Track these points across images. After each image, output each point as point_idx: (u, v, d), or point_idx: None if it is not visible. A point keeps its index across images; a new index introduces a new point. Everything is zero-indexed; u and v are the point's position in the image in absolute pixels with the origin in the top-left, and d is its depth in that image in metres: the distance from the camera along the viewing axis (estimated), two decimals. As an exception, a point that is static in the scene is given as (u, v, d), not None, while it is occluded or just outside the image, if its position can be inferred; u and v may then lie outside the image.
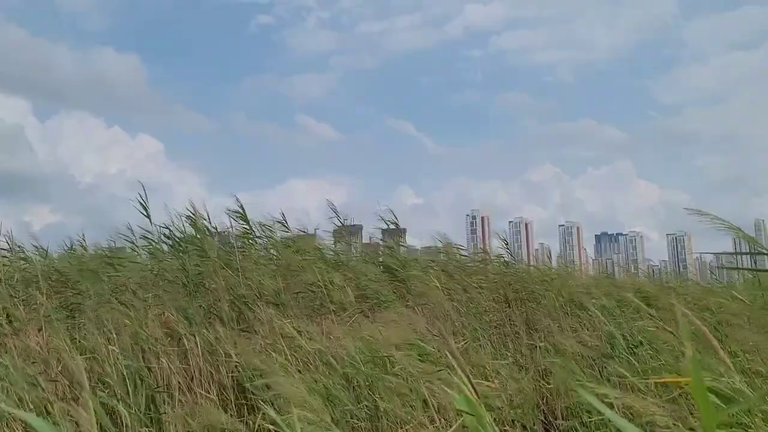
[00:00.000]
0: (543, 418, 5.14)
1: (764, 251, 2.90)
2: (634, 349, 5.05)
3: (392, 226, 8.29)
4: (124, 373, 4.57)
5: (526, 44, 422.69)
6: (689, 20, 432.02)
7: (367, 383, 4.32)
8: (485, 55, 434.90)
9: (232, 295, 5.74)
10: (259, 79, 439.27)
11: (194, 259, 6.16)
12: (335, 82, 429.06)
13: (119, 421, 4.40)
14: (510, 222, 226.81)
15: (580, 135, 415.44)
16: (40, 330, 5.31)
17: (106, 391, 4.44)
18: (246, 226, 6.89)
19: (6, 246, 7.08)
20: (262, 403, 3.95)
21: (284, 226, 7.53)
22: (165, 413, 4.47)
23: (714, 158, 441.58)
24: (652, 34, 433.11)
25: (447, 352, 4.03)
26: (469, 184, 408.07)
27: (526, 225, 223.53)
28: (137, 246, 6.94)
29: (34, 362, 4.70)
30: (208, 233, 6.51)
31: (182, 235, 6.53)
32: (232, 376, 4.72)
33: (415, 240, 10.86)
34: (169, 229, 6.58)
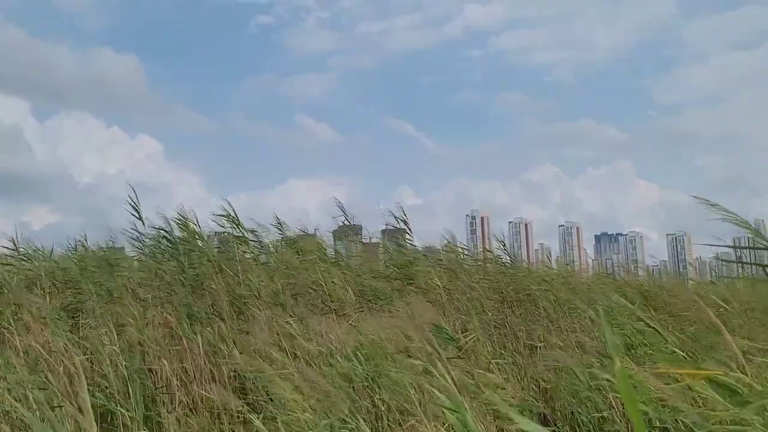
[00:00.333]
0: (542, 418, 5.14)
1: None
2: (634, 350, 5.05)
3: (402, 225, 8.29)
4: (125, 374, 4.58)
5: (525, 44, 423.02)
6: (689, 20, 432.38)
7: (365, 383, 4.33)
8: (485, 55, 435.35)
9: (231, 296, 5.75)
10: (259, 79, 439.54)
11: (193, 259, 6.18)
12: (335, 82, 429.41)
13: (119, 421, 4.42)
14: (510, 222, 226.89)
15: (580, 135, 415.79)
16: (42, 330, 5.32)
17: (106, 391, 4.46)
18: (238, 230, 6.92)
19: (11, 247, 7.10)
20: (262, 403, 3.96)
21: (280, 229, 7.58)
22: (166, 414, 4.48)
23: (714, 158, 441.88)
24: (652, 34, 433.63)
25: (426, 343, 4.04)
26: (468, 184, 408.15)
27: (525, 225, 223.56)
28: (136, 247, 6.96)
29: (37, 364, 4.71)
30: (198, 237, 6.55)
31: (176, 238, 6.56)
32: (233, 376, 4.73)
33: (414, 240, 10.87)
34: (165, 231, 6.61)
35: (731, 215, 2.65)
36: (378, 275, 7.08)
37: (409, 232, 8.08)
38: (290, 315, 5.46)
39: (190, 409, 4.64)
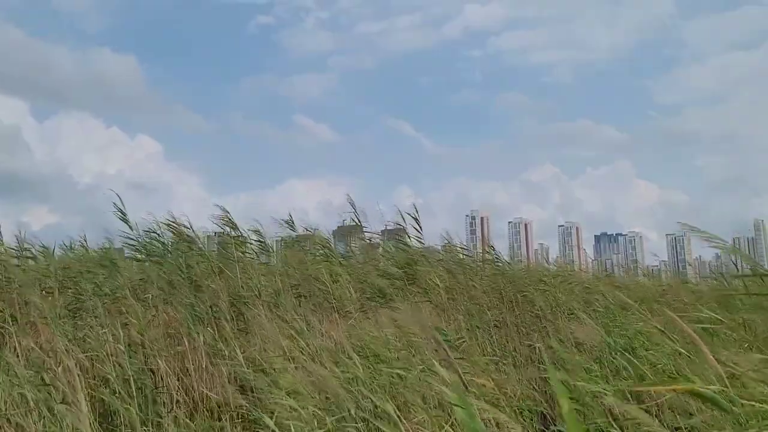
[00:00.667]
0: (541, 419, 5.15)
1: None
2: (632, 352, 5.06)
3: (413, 223, 8.24)
4: (130, 373, 4.59)
5: (525, 44, 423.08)
6: (689, 20, 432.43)
7: (367, 383, 4.33)
8: (485, 55, 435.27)
9: (232, 296, 5.76)
10: (258, 79, 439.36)
11: (191, 260, 6.20)
12: (334, 83, 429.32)
13: (119, 421, 4.43)
14: (509, 222, 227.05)
15: (580, 135, 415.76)
16: (44, 329, 5.33)
17: (107, 391, 4.46)
18: (236, 231, 6.93)
19: (15, 246, 7.12)
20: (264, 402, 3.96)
21: (291, 227, 7.59)
22: (165, 414, 4.49)
23: (714, 158, 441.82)
24: (652, 34, 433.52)
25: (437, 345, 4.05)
26: (468, 184, 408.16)
27: (525, 225, 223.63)
28: (131, 249, 6.98)
29: (41, 365, 4.71)
30: (191, 239, 6.57)
31: (168, 241, 6.60)
32: (233, 377, 4.73)
33: (424, 238, 10.87)
34: (156, 234, 6.65)
35: (712, 236, 2.66)
36: (382, 274, 7.09)
37: (419, 230, 8.03)
38: (292, 315, 5.46)
39: (191, 410, 4.65)
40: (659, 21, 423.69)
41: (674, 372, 4.18)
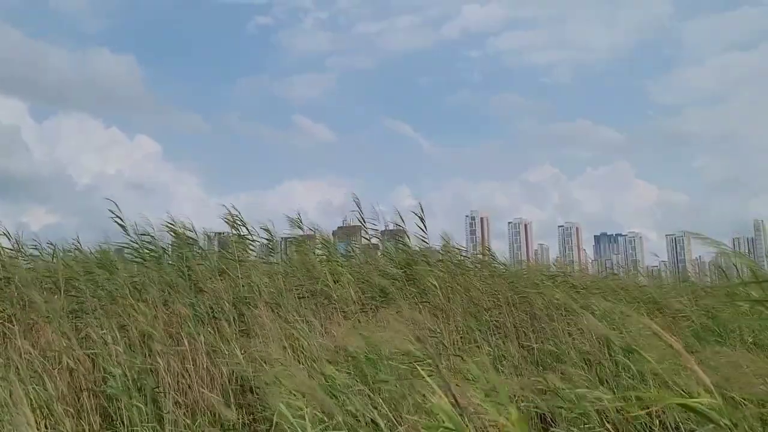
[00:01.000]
0: (541, 420, 5.16)
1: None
2: (629, 355, 5.06)
3: (420, 223, 8.23)
4: (134, 375, 4.60)
5: (524, 45, 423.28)
6: (689, 21, 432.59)
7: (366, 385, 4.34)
8: (484, 55, 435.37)
9: (234, 297, 5.78)
10: (257, 79, 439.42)
11: (191, 261, 6.22)
12: (333, 83, 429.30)
13: (119, 421, 4.43)
14: (509, 223, 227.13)
15: (579, 135, 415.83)
16: (45, 329, 5.34)
17: (108, 393, 4.47)
18: (241, 230, 6.96)
19: (14, 246, 7.14)
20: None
21: (300, 226, 7.62)
22: (165, 414, 4.50)
23: (713, 158, 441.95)
24: (652, 34, 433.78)
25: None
26: (467, 184, 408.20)
27: (525, 226, 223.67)
28: (129, 251, 7.01)
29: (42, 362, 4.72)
30: (191, 241, 6.60)
31: (166, 244, 6.65)
32: (234, 378, 4.74)
33: (414, 241, 10.87)
34: (151, 236, 6.70)
35: (714, 242, 2.67)
36: (382, 274, 7.10)
37: (424, 229, 8.03)
38: (293, 315, 5.47)
39: (191, 410, 4.65)
40: (658, 21, 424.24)
41: (669, 378, 4.18)
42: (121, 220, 6.61)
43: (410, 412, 3.63)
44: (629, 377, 4.99)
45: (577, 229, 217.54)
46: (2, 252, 6.92)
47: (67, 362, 4.83)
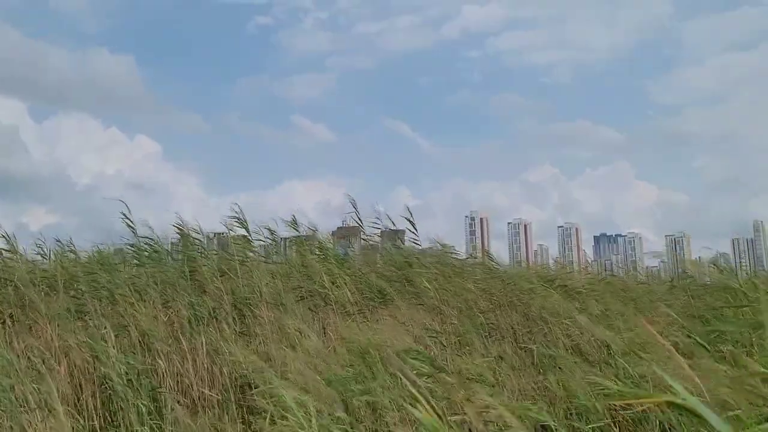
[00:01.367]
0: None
1: None
2: (626, 356, 5.07)
3: (408, 225, 8.27)
4: (134, 375, 4.61)
5: (524, 45, 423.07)
6: (688, 20, 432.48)
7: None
8: (483, 55, 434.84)
9: (234, 298, 5.79)
10: (257, 79, 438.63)
11: (194, 262, 6.23)
12: (333, 83, 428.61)
13: (120, 421, 4.45)
14: (509, 223, 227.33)
15: (579, 135, 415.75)
16: (47, 329, 5.35)
17: (109, 393, 4.48)
18: (247, 230, 6.98)
19: (11, 247, 7.14)
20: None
21: (295, 228, 7.64)
22: (167, 413, 4.51)
23: (713, 159, 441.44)
24: (652, 34, 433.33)
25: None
26: (467, 184, 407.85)
27: (525, 226, 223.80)
28: (132, 252, 7.04)
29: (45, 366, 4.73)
30: (198, 242, 6.62)
31: (169, 246, 6.68)
32: (234, 377, 4.75)
33: (420, 240, 10.90)
34: (152, 240, 6.73)
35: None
36: (380, 276, 7.11)
37: (414, 231, 8.07)
38: (291, 316, 5.49)
39: (191, 409, 4.67)
40: (658, 21, 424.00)
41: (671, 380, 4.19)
42: (131, 221, 6.68)
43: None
44: (628, 379, 4.99)
45: (576, 229, 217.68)
46: (1, 253, 6.95)
47: (67, 362, 4.85)
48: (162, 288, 6.00)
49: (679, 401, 1.54)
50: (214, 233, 8.13)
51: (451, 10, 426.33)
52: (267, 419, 3.40)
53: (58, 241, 7.43)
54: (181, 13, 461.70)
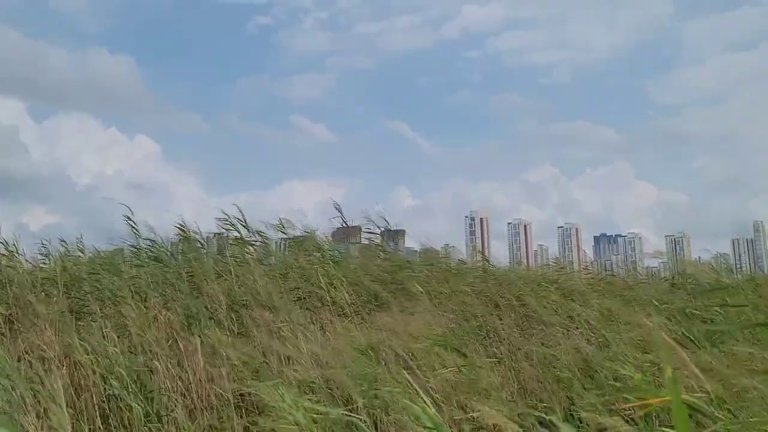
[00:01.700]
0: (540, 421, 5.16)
1: None
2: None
3: (388, 228, 8.33)
4: (134, 376, 4.61)
5: (524, 45, 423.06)
6: (688, 21, 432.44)
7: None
8: (483, 55, 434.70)
9: (230, 299, 5.79)
10: (257, 79, 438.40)
11: (191, 263, 6.24)
12: (333, 83, 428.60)
13: (118, 422, 4.44)
14: (509, 223, 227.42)
15: (579, 136, 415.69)
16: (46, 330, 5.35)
17: (108, 394, 4.48)
18: (241, 231, 6.98)
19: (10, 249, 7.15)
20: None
21: (283, 230, 7.63)
22: (165, 415, 4.51)
23: (713, 159, 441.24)
24: (652, 34, 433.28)
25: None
26: (467, 184, 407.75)
27: (525, 226, 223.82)
28: (136, 250, 7.04)
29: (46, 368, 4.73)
30: (200, 244, 6.63)
31: (170, 247, 6.68)
32: (232, 379, 4.75)
33: (413, 241, 10.90)
34: (152, 241, 6.74)
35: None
36: (374, 279, 7.10)
37: (401, 235, 8.10)
38: (287, 317, 5.48)
39: (190, 410, 4.66)
40: (658, 21, 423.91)
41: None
42: (134, 223, 6.70)
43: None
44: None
45: (576, 229, 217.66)
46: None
47: (66, 364, 4.84)
48: (162, 289, 6.00)
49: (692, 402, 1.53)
50: (214, 233, 8.13)
51: (451, 10, 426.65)
52: (268, 419, 3.39)
53: (63, 241, 7.45)
54: (181, 13, 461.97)
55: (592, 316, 6.25)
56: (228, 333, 5.25)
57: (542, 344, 6.01)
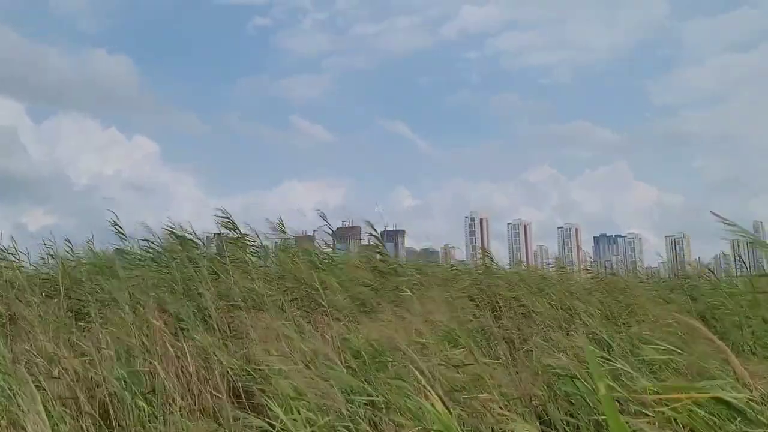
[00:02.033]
0: (539, 420, 5.14)
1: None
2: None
3: (388, 229, 8.34)
4: (132, 378, 4.59)
5: (523, 45, 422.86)
6: (688, 21, 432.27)
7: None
8: (482, 56, 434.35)
9: (225, 301, 5.77)
10: (257, 80, 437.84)
11: (185, 265, 6.22)
12: (332, 84, 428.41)
13: (118, 422, 4.42)
14: (509, 224, 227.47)
15: (579, 136, 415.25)
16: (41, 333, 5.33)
17: (104, 396, 4.46)
18: (236, 233, 6.96)
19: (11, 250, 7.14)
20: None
21: (283, 230, 7.61)
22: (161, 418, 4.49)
23: (713, 159, 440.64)
24: (652, 34, 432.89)
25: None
26: (466, 185, 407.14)
27: (524, 227, 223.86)
28: (132, 250, 7.02)
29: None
30: (194, 244, 6.61)
31: (164, 249, 6.66)
32: (227, 380, 4.73)
33: (413, 241, 10.89)
34: (150, 242, 6.71)
35: (742, 231, 2.60)
36: (365, 283, 7.07)
37: (400, 235, 8.10)
38: (284, 318, 5.46)
39: (186, 412, 4.64)
40: (658, 21, 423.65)
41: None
42: (120, 227, 6.66)
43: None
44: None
45: (576, 230, 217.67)
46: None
47: (63, 365, 4.82)
48: (155, 292, 5.98)
49: (727, 398, 1.48)
50: (214, 233, 8.12)
51: (450, 10, 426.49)
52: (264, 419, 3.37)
53: (67, 242, 7.45)
54: (181, 14, 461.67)
55: (595, 314, 6.23)
56: (221, 335, 5.23)
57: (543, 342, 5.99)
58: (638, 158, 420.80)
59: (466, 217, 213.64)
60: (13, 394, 4.23)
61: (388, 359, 4.55)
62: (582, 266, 13.10)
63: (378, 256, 8.44)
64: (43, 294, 6.47)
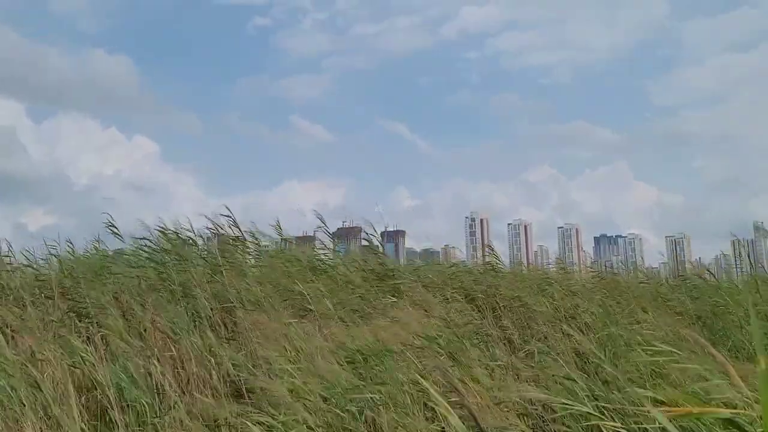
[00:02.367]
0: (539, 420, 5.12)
1: None
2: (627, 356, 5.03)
3: (408, 227, 8.34)
4: (130, 379, 4.58)
5: (523, 45, 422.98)
6: (688, 21, 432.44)
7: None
8: (482, 56, 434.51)
9: (221, 302, 5.76)
10: (257, 80, 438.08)
11: (182, 266, 6.21)
12: (331, 84, 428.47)
13: (115, 422, 4.41)
14: (509, 224, 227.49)
15: (579, 136, 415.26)
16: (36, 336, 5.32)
17: (100, 398, 4.45)
18: (234, 233, 6.94)
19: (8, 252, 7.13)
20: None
21: (279, 233, 7.60)
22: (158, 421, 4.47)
23: (713, 159, 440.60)
24: (652, 34, 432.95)
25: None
26: (466, 185, 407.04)
27: (525, 227, 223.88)
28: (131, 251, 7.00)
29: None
30: (192, 243, 6.58)
31: (161, 248, 6.64)
32: (225, 381, 4.72)
33: (413, 242, 10.89)
34: (149, 241, 6.69)
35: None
36: (360, 286, 7.05)
37: (401, 236, 8.10)
38: (276, 320, 5.44)
39: (188, 412, 4.63)
40: (658, 21, 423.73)
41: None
42: (116, 229, 6.63)
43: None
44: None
45: (576, 230, 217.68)
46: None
47: (61, 365, 4.81)
48: (150, 295, 5.96)
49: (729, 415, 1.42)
50: (214, 234, 8.09)
51: (450, 10, 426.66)
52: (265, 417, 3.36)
53: (69, 242, 7.43)
54: (181, 14, 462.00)
55: (596, 313, 6.21)
56: (217, 337, 5.22)
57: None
58: (638, 158, 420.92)
59: (467, 218, 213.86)
60: (13, 394, 4.22)
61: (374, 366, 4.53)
62: (583, 266, 13.08)
63: (375, 258, 8.41)
64: (43, 295, 6.45)
